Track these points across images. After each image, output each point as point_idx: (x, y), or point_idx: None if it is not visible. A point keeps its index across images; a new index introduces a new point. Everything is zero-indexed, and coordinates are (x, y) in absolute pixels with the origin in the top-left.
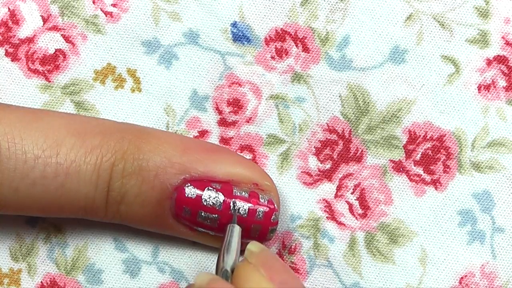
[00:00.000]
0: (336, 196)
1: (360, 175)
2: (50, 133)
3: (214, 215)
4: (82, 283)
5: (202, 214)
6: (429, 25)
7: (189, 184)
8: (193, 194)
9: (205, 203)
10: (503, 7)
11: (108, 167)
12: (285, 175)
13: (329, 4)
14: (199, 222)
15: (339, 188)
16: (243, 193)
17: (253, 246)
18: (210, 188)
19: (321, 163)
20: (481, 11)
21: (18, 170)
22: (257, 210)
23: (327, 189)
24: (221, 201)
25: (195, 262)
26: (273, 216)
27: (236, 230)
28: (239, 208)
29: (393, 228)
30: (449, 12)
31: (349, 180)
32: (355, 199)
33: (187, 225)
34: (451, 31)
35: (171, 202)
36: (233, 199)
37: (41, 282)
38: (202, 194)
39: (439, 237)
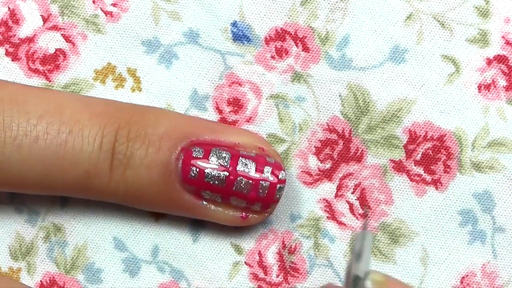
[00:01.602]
0: (336, 195)
1: (361, 174)
2: (53, 97)
3: (222, 173)
4: (82, 282)
5: (210, 173)
6: (429, 24)
7: (196, 146)
8: (201, 154)
9: (213, 162)
10: (503, 7)
11: (113, 129)
12: (286, 173)
13: (329, 3)
14: (206, 184)
15: (339, 187)
16: (250, 153)
17: (376, 275)
18: (217, 147)
19: (321, 163)
20: (481, 11)
21: (21, 128)
22: (264, 167)
23: (327, 188)
24: (229, 158)
25: (195, 262)
26: (280, 175)
27: (368, 237)
28: (246, 164)
29: (394, 228)
30: (449, 12)
31: (349, 180)
32: (355, 199)
33: (193, 192)
34: (451, 30)
35: (178, 164)
36: (241, 155)
37: (41, 281)
38: (210, 153)
39: (440, 237)
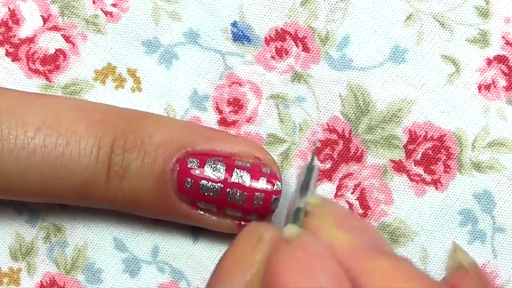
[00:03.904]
0: (336, 195)
1: (360, 175)
2: (51, 107)
3: (216, 185)
4: (82, 282)
5: (205, 184)
6: (429, 24)
7: (191, 157)
8: (196, 165)
9: (207, 174)
10: (503, 7)
11: (110, 140)
12: (285, 175)
13: (329, 3)
14: (201, 195)
15: (339, 187)
16: (246, 163)
17: (313, 199)
18: (212, 159)
19: (321, 163)
20: (481, 11)
21: (18, 141)
22: (260, 178)
23: (327, 188)
24: (224, 170)
25: (195, 262)
26: (275, 186)
27: (314, 171)
28: (241, 175)
29: (394, 228)
30: (449, 12)
31: (349, 180)
32: (355, 199)
33: (189, 202)
34: (451, 30)
35: (173, 175)
36: (236, 166)
37: (41, 281)
38: (205, 164)
39: (440, 236)
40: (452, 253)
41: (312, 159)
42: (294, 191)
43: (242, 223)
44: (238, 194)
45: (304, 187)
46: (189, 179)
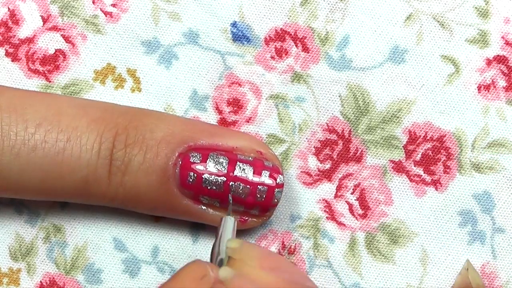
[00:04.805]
0: (336, 196)
1: (360, 175)
2: (51, 104)
3: (219, 178)
4: (82, 282)
5: (208, 178)
6: (429, 25)
7: (193, 151)
8: (198, 159)
9: (210, 167)
10: (502, 7)
11: (111, 135)
12: (284, 175)
13: (328, 4)
14: (204, 189)
15: (339, 188)
16: (248, 157)
17: (232, 243)
18: (214, 153)
19: (320, 163)
20: (481, 11)
21: (19, 137)
22: (262, 172)
23: (327, 189)
24: (226, 163)
25: None
26: (278, 179)
27: (231, 221)
28: (244, 169)
29: (394, 229)
30: (449, 12)
31: (349, 180)
32: (355, 199)
33: (191, 196)
34: (451, 31)
35: (176, 169)
36: (239, 160)
37: (41, 281)
38: (207, 158)
39: (440, 237)
40: (464, 270)
41: (228, 212)
42: (216, 242)
43: (244, 218)
44: (241, 188)
45: (221, 237)
46: (191, 173)
